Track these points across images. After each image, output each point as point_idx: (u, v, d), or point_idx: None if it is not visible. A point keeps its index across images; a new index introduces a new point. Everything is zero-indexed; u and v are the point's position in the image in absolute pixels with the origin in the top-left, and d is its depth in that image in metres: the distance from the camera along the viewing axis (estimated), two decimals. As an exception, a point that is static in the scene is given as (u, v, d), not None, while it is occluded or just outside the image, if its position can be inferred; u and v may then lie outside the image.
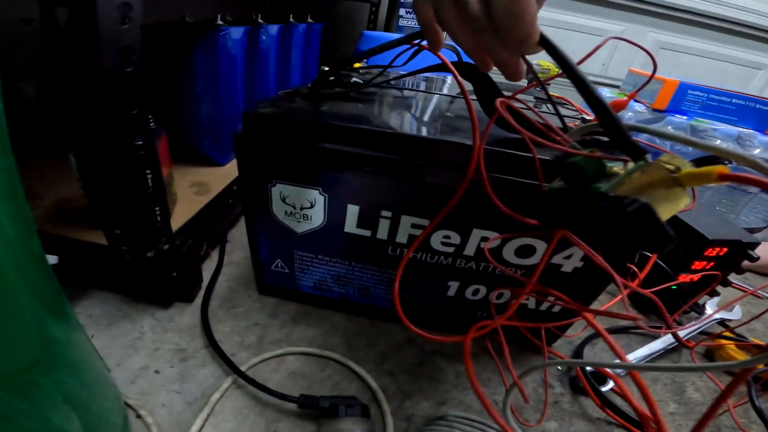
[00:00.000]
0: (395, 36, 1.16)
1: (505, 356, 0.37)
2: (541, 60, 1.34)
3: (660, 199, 0.19)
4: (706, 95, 0.85)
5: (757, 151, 0.80)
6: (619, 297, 0.43)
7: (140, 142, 0.35)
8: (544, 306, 0.43)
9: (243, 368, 0.39)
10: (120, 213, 0.38)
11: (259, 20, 0.68)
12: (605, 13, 1.79)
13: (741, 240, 0.51)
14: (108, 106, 0.31)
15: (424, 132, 0.35)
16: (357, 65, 0.66)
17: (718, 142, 0.75)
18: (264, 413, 0.36)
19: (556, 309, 0.44)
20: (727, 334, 0.52)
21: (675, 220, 0.53)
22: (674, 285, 0.53)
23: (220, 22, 0.57)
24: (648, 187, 0.19)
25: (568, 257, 0.38)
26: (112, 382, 0.32)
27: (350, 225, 0.39)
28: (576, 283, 0.40)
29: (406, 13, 1.40)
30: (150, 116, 0.41)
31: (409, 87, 0.54)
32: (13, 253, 0.19)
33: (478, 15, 0.24)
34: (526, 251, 0.38)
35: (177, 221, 0.47)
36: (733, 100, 0.85)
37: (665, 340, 0.50)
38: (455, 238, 0.38)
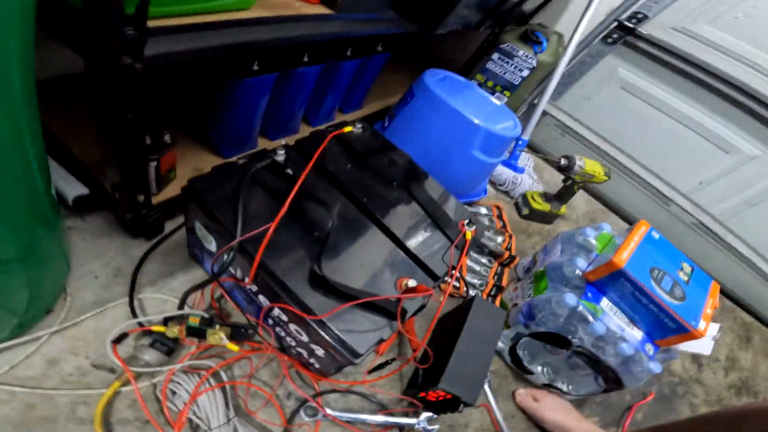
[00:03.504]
0: (464, 81, 1.16)
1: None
2: (587, 159, 1.32)
3: None
4: (632, 289, 0.91)
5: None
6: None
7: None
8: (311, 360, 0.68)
9: (139, 296, 0.69)
10: (120, 186, 0.66)
11: (305, 59, 0.86)
12: (743, 125, 1.38)
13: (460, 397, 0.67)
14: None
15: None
16: (348, 129, 0.83)
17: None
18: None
19: (317, 366, 0.68)
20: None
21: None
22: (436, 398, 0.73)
23: (256, 68, 0.78)
24: None
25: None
26: (64, 275, 0.60)
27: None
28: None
29: (499, 59, 1.42)
30: (166, 133, 0.68)
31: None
32: (18, 183, 0.40)
33: None
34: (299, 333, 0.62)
35: (166, 194, 0.75)
36: (651, 306, 0.89)
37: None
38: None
